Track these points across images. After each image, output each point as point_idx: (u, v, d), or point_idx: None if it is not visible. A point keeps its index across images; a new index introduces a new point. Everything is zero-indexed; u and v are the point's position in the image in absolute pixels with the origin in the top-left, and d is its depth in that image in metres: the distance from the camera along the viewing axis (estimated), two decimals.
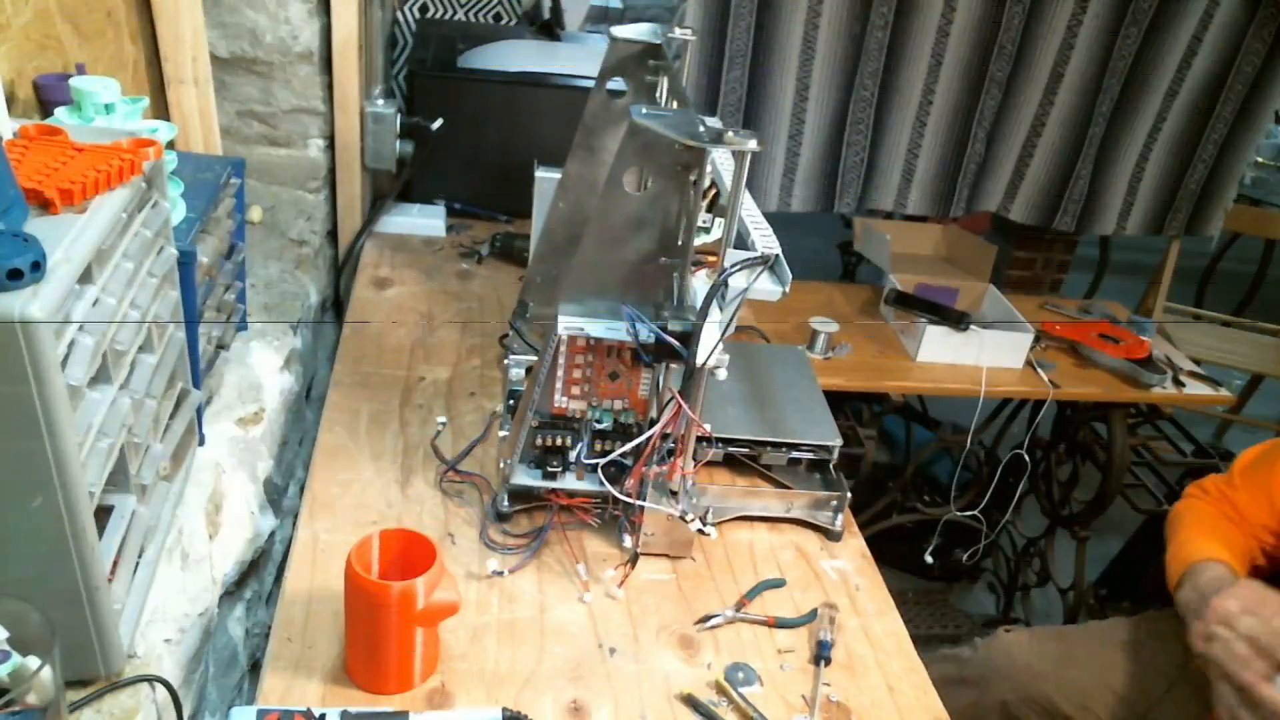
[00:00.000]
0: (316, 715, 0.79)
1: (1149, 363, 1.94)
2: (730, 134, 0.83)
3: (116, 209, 0.73)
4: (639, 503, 1.03)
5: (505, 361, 1.29)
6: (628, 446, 1.01)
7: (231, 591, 1.06)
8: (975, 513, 2.14)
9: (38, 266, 0.62)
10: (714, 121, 1.04)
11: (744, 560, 1.11)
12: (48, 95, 1.01)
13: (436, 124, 1.72)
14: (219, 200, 1.11)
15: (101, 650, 0.76)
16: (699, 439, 1.01)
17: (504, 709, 0.84)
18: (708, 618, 1.01)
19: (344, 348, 1.38)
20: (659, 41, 1.17)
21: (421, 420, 1.25)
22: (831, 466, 1.21)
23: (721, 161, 1.06)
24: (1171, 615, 1.23)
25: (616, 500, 1.03)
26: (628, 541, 1.08)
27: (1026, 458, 2.07)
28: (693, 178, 0.90)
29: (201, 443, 1.06)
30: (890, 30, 1.96)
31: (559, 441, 1.06)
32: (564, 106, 1.74)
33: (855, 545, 1.16)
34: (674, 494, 1.04)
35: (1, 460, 0.66)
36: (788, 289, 0.91)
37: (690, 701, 0.91)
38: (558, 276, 1.30)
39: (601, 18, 2.74)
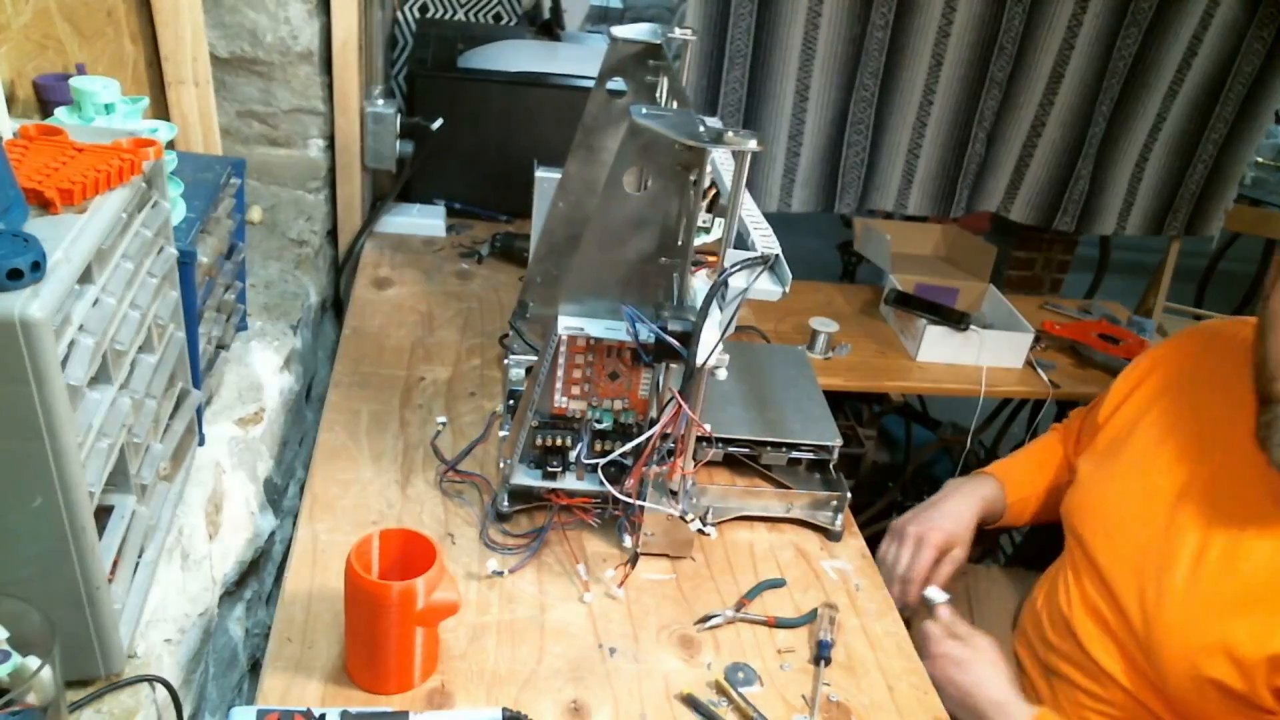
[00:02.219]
0: (316, 715, 0.79)
1: None
2: (730, 134, 0.83)
3: (116, 209, 0.73)
4: (639, 503, 1.03)
5: (505, 361, 1.29)
6: (628, 446, 1.01)
7: (231, 591, 1.06)
8: None
9: (38, 266, 0.62)
10: (714, 121, 1.04)
11: (744, 560, 1.11)
12: (48, 95, 1.01)
13: (436, 124, 1.72)
14: (219, 200, 1.11)
15: (101, 650, 0.76)
16: (699, 439, 1.01)
17: (504, 709, 0.84)
18: (708, 618, 1.01)
19: (344, 348, 1.38)
20: (659, 41, 1.17)
21: (421, 420, 1.25)
22: (831, 466, 1.21)
23: (721, 161, 1.06)
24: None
25: (616, 500, 1.03)
26: (628, 541, 1.08)
27: None
28: (693, 178, 0.90)
29: (201, 443, 1.06)
30: (890, 30, 1.96)
31: (559, 441, 1.06)
32: (564, 106, 1.74)
33: (855, 545, 1.16)
34: (674, 494, 1.04)
35: (1, 460, 0.66)
36: (788, 289, 0.90)
37: (690, 701, 0.91)
38: (558, 276, 1.30)
39: (601, 18, 2.75)
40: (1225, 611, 0.99)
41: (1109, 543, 1.13)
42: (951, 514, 1.29)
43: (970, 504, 1.31)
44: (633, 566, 1.04)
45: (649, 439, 0.98)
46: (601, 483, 1.05)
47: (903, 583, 1.24)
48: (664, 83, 1.19)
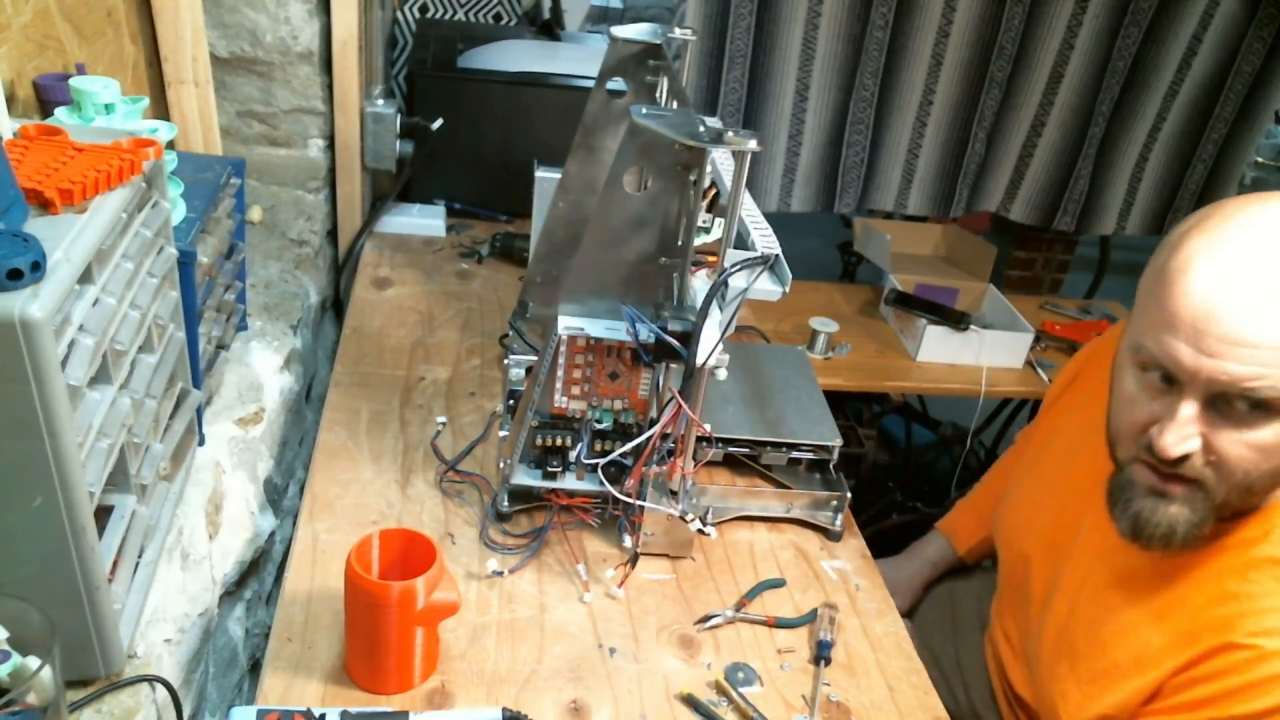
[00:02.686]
0: (316, 715, 0.79)
1: None
2: (730, 134, 0.83)
3: (116, 209, 0.73)
4: (639, 503, 1.03)
5: (505, 361, 1.29)
6: (628, 446, 1.01)
7: (231, 591, 1.06)
8: None
9: (38, 266, 0.62)
10: (714, 121, 1.04)
11: (744, 560, 1.11)
12: (48, 95, 1.01)
13: (436, 124, 1.72)
14: (219, 200, 1.11)
15: (101, 650, 0.76)
16: (699, 439, 1.01)
17: (504, 709, 0.84)
18: (708, 618, 1.01)
19: (344, 348, 1.38)
20: (659, 41, 1.17)
21: (421, 420, 1.25)
22: (831, 466, 1.20)
23: (721, 161, 1.06)
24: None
25: (616, 500, 1.03)
26: (628, 541, 1.08)
27: None
28: (693, 178, 0.90)
29: (201, 443, 1.06)
30: (890, 30, 1.96)
31: (559, 441, 1.06)
32: (564, 106, 1.74)
33: (855, 545, 1.16)
34: (674, 494, 1.04)
35: (1, 460, 0.66)
36: (788, 289, 0.91)
37: (690, 701, 0.91)
38: (558, 276, 1.30)
39: (601, 18, 2.75)
40: (1064, 663, 0.96)
41: (1020, 561, 1.09)
42: (896, 565, 1.37)
43: (915, 566, 1.37)
44: (633, 566, 1.04)
45: (649, 439, 0.98)
46: (601, 483, 1.05)
47: None
48: (664, 83, 1.19)
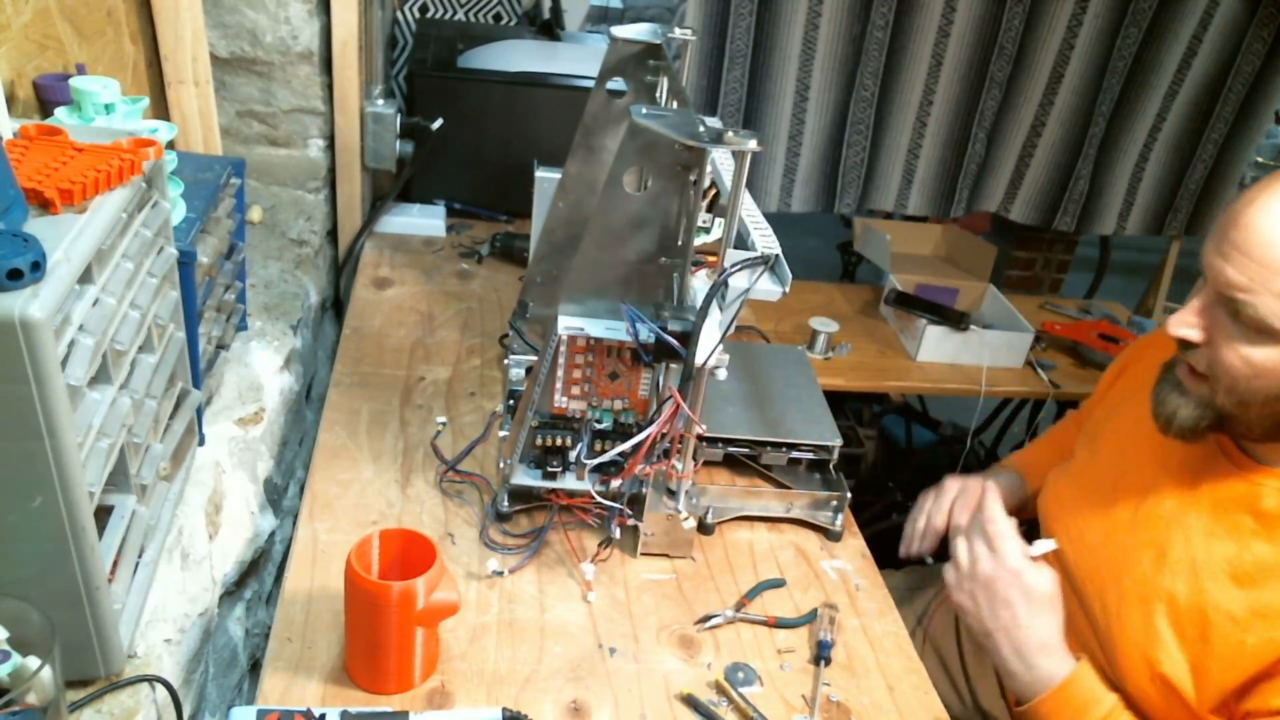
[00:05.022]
0: (316, 715, 0.79)
1: None
2: (730, 134, 0.83)
3: (116, 209, 0.73)
4: (618, 506, 1.03)
5: (505, 361, 1.29)
6: (625, 445, 1.00)
7: (231, 591, 1.06)
8: None
9: (38, 266, 0.62)
10: (714, 121, 1.04)
11: (744, 560, 1.11)
12: (48, 95, 1.01)
13: (436, 124, 1.72)
14: (219, 200, 1.11)
15: (101, 650, 0.76)
16: (698, 438, 1.01)
17: (504, 709, 0.84)
18: (708, 618, 1.01)
19: (344, 348, 1.38)
20: (659, 41, 1.17)
21: (421, 420, 1.25)
22: (831, 466, 1.21)
23: (721, 161, 1.06)
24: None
25: (614, 498, 1.03)
26: (617, 534, 1.07)
27: None
28: (693, 178, 0.90)
29: (201, 443, 1.06)
30: (890, 30, 1.96)
31: (559, 441, 1.06)
32: (564, 106, 1.74)
33: (855, 545, 1.17)
34: (673, 493, 1.04)
35: (1, 460, 0.66)
36: (788, 289, 0.90)
37: (690, 701, 0.91)
38: (558, 276, 1.30)
39: (601, 18, 2.75)
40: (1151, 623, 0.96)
41: (1077, 542, 1.09)
42: (964, 478, 1.32)
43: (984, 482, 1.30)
44: (607, 550, 1.04)
45: (647, 438, 0.98)
46: (596, 485, 1.04)
47: (917, 525, 1.26)
48: (664, 83, 1.19)
